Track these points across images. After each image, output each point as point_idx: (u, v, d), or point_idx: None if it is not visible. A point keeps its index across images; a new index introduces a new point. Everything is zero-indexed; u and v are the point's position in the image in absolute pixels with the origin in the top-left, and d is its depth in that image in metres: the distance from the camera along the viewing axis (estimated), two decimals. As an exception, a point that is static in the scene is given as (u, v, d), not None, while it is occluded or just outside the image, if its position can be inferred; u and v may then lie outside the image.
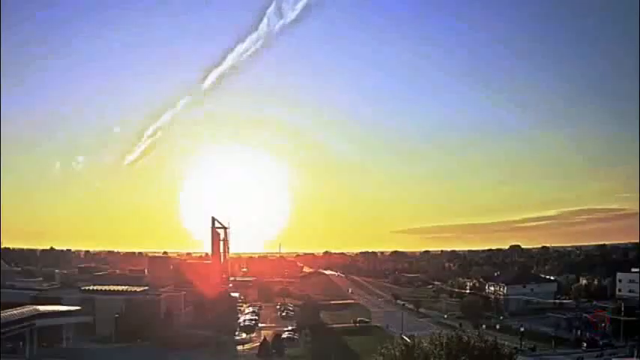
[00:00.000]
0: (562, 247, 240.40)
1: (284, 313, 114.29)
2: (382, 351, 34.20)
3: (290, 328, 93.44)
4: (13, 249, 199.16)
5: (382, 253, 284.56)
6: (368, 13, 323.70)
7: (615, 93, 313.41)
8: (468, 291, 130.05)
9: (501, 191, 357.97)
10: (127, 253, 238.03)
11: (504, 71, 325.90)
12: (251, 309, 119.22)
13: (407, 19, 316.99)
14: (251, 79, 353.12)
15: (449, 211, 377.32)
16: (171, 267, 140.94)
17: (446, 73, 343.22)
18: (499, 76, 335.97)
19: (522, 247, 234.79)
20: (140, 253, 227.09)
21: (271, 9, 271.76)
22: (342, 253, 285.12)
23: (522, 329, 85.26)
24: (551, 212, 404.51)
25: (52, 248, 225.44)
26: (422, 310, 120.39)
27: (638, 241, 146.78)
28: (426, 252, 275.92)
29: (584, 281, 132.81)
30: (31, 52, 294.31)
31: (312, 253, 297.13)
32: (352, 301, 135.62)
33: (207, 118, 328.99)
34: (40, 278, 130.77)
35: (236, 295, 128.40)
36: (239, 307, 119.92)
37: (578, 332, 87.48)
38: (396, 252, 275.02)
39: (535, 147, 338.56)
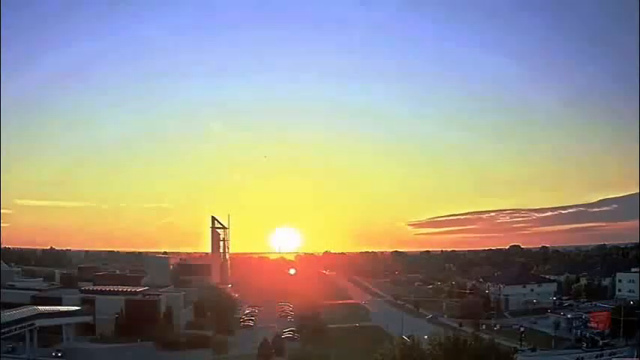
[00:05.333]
0: (562, 247, 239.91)
1: (284, 313, 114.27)
2: (382, 351, 34.34)
3: (290, 328, 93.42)
4: (13, 249, 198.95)
5: (382, 253, 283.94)
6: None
7: (616, 92, 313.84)
8: (467, 291, 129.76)
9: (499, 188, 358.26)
10: (127, 253, 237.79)
11: (507, 68, 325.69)
12: (250, 309, 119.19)
13: (404, 20, 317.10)
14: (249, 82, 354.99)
15: (449, 204, 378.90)
16: (171, 267, 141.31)
17: (448, 69, 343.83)
18: (500, 73, 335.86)
19: (522, 247, 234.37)
20: (140, 253, 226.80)
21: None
22: (342, 253, 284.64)
23: (522, 329, 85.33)
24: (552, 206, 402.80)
25: (52, 248, 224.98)
26: (422, 310, 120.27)
27: (638, 241, 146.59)
28: (426, 252, 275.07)
29: (584, 281, 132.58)
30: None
31: (312, 253, 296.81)
32: (352, 301, 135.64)
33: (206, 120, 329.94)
34: (40, 278, 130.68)
35: (236, 295, 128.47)
36: (238, 307, 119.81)
37: (578, 332, 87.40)
38: (396, 252, 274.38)
39: (535, 146, 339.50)
